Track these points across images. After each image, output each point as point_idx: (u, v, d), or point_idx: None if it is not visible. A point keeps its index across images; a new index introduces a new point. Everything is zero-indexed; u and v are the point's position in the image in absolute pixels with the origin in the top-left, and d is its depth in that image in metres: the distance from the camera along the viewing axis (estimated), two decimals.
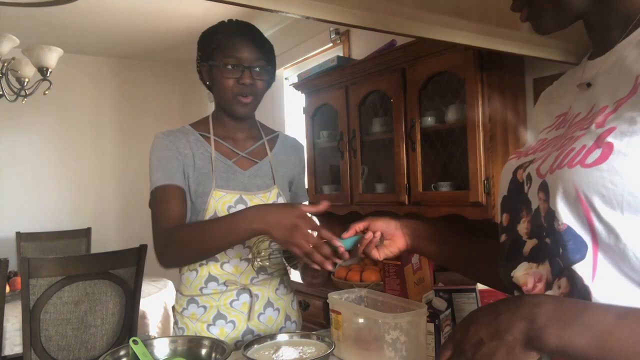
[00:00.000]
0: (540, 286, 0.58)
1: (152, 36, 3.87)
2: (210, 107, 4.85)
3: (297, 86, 2.90)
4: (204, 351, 0.98)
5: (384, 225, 0.96)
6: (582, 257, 0.53)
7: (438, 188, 2.12)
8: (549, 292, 0.57)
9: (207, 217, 1.18)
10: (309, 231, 0.97)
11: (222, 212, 1.18)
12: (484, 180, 1.90)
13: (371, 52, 2.48)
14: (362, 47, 2.84)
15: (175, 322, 1.25)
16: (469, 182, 1.94)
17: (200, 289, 1.22)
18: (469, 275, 0.97)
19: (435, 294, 1.11)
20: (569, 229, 0.54)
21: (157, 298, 2.71)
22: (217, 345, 0.98)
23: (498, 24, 1.41)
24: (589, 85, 0.63)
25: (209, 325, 1.21)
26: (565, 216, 0.54)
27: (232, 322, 1.22)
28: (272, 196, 1.25)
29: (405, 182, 2.22)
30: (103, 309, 2.18)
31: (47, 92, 2.94)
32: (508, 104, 1.99)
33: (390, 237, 0.96)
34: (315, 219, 1.06)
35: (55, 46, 2.74)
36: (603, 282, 0.52)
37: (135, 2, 3.19)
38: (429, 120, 2.15)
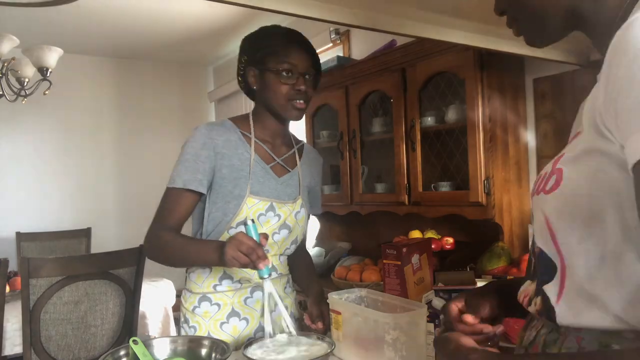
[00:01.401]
0: (525, 301, 0.63)
1: (152, 36, 3.87)
2: (211, 107, 4.86)
3: None
4: (204, 351, 0.98)
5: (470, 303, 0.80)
6: (550, 279, 0.56)
7: (438, 188, 2.12)
8: (529, 308, 0.61)
9: (236, 222, 1.18)
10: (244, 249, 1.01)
11: (254, 219, 1.18)
12: (484, 180, 1.90)
13: (371, 52, 2.48)
14: (362, 47, 2.84)
15: (186, 321, 1.24)
16: (469, 182, 1.94)
17: (214, 287, 1.22)
18: None
19: (435, 294, 1.11)
20: (541, 252, 0.57)
21: (157, 298, 2.71)
22: (217, 345, 0.98)
23: (498, 24, 1.42)
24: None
25: (222, 323, 1.22)
26: (539, 240, 0.58)
27: (246, 319, 1.24)
28: (297, 206, 1.27)
29: (405, 182, 2.22)
30: (103, 309, 2.18)
31: (47, 92, 2.94)
32: (508, 104, 1.99)
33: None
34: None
35: (55, 46, 2.74)
36: (566, 304, 0.54)
37: (135, 2, 3.19)
38: (429, 120, 2.15)
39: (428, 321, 1.03)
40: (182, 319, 1.25)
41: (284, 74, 1.16)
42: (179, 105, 4.68)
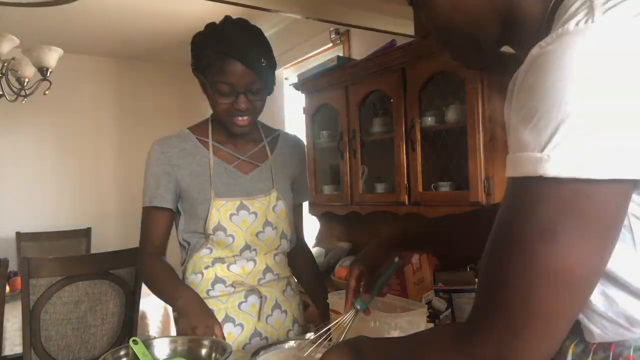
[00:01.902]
0: None
1: (152, 36, 3.87)
2: (209, 108, 4.86)
3: (297, 86, 2.90)
4: (204, 351, 0.98)
5: (373, 258, 0.95)
6: None
7: (438, 188, 2.12)
8: None
9: (211, 226, 1.16)
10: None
11: (225, 220, 1.17)
12: (483, 180, 1.90)
13: (371, 52, 2.48)
14: (362, 47, 2.84)
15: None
16: (469, 182, 1.94)
17: (207, 292, 1.20)
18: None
19: (435, 294, 1.11)
20: None
21: (157, 298, 2.70)
22: (217, 345, 0.97)
23: None
24: None
25: None
26: None
27: (241, 324, 1.20)
28: (272, 200, 1.23)
29: (406, 182, 2.22)
30: (103, 309, 2.18)
31: (47, 92, 2.94)
32: None
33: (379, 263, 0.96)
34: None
35: (55, 46, 2.74)
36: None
37: (134, 2, 3.19)
38: (429, 120, 2.15)
39: (428, 321, 1.03)
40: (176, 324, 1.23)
41: (221, 90, 1.09)
42: (179, 105, 4.68)
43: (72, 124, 4.24)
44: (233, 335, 1.20)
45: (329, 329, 0.96)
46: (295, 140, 1.37)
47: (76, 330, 2.12)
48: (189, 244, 1.22)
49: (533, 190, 0.46)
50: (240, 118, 1.13)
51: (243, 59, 1.07)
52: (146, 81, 4.55)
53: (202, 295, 1.20)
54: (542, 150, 0.43)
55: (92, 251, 3.60)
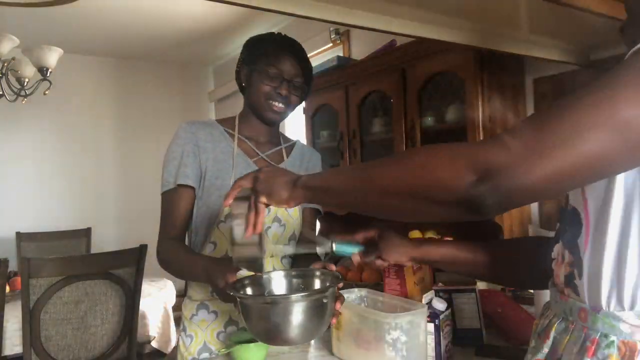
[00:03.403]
0: (559, 260, 0.65)
1: (153, 36, 3.87)
2: (211, 107, 4.86)
3: None
4: (317, 281, 0.99)
5: (393, 255, 0.95)
6: (580, 234, 0.59)
7: None
8: (562, 266, 0.64)
9: (224, 214, 1.17)
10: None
11: None
12: None
13: (371, 52, 2.48)
14: (362, 47, 2.84)
15: (184, 329, 1.22)
16: None
17: (212, 293, 1.19)
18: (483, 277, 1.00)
19: (435, 294, 1.10)
20: (574, 209, 0.60)
21: (157, 298, 2.71)
22: (327, 274, 0.99)
23: (498, 24, 1.42)
24: None
25: (219, 332, 1.19)
26: (574, 198, 0.61)
27: (244, 329, 1.18)
28: None
29: None
30: (103, 309, 2.18)
31: (47, 92, 2.94)
32: (508, 104, 1.99)
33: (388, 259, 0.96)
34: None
35: (55, 46, 2.74)
36: (591, 255, 0.58)
37: (135, 2, 3.19)
38: (429, 120, 2.15)
39: (428, 321, 1.03)
40: (181, 326, 1.23)
41: (270, 75, 1.19)
42: (180, 105, 4.68)
43: (72, 123, 4.25)
44: None
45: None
46: (312, 152, 1.42)
47: (76, 331, 2.12)
48: (196, 234, 1.22)
49: None
50: (277, 104, 1.21)
51: (296, 54, 1.23)
52: (146, 81, 4.56)
53: (206, 296, 1.20)
54: None
55: (92, 251, 3.60)
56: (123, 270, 2.20)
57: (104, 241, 3.94)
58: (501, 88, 1.97)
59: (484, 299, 1.27)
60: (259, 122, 1.26)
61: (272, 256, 1.25)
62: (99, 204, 4.31)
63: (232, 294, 0.86)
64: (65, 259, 2.12)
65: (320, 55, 3.19)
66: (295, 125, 3.39)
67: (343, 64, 2.56)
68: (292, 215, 1.26)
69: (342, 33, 3.00)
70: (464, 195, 0.52)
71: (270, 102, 1.20)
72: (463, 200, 0.52)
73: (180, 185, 1.17)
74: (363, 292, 1.20)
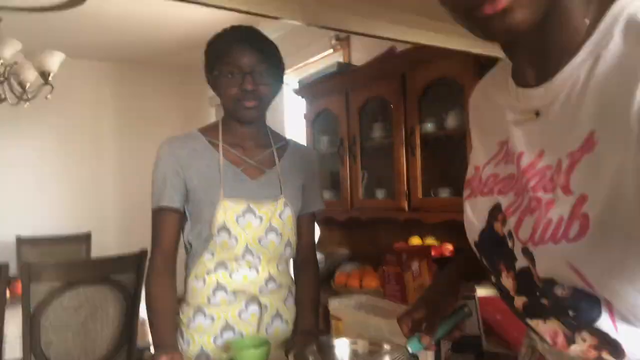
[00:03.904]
0: (561, 341, 0.57)
1: (153, 41, 3.89)
2: (212, 112, 4.87)
3: (297, 91, 2.91)
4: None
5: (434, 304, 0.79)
6: (600, 315, 0.52)
7: (438, 194, 2.12)
8: (573, 346, 0.56)
9: (215, 228, 1.16)
10: None
11: (231, 222, 1.17)
12: None
13: (371, 58, 2.49)
14: (362, 53, 2.85)
15: (181, 334, 1.21)
16: None
17: (208, 299, 1.19)
18: None
19: None
20: (576, 291, 0.52)
21: None
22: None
23: None
24: (537, 113, 0.57)
25: (215, 337, 1.19)
26: (568, 282, 0.52)
27: (241, 333, 1.20)
28: (279, 206, 1.22)
29: (405, 189, 2.22)
30: (103, 315, 2.18)
31: (49, 96, 2.95)
32: None
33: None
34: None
35: (58, 51, 2.75)
36: (624, 331, 0.52)
37: (136, 8, 3.21)
38: (429, 126, 2.16)
39: None
40: (179, 332, 1.22)
41: (229, 75, 1.16)
42: (180, 109, 4.70)
43: (73, 128, 4.26)
44: None
45: None
46: (306, 150, 1.40)
47: (76, 336, 2.12)
48: (191, 246, 1.22)
49: None
50: (247, 102, 1.17)
51: (246, 40, 1.18)
52: (147, 86, 4.58)
53: (203, 302, 1.19)
54: None
55: (92, 256, 3.60)
56: (124, 276, 2.20)
57: (104, 246, 3.93)
58: None
59: (484, 305, 1.28)
60: (239, 125, 1.23)
61: None
62: (100, 209, 4.32)
63: None
64: (66, 264, 2.12)
65: (321, 61, 3.20)
66: (296, 130, 3.40)
67: (343, 70, 2.57)
68: (287, 223, 1.24)
69: (342, 39, 3.01)
70: None
71: (240, 102, 1.17)
72: None
73: (165, 208, 1.18)
74: (363, 298, 1.21)
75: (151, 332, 1.16)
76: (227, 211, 1.16)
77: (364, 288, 2.25)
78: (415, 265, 1.23)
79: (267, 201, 1.21)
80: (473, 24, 0.54)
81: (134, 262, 2.22)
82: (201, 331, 1.19)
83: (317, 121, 2.85)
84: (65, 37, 3.63)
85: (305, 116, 2.90)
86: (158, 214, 1.19)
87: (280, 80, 1.24)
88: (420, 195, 2.16)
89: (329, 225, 2.97)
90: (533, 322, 0.60)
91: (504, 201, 0.59)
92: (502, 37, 0.55)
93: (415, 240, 2.24)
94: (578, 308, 0.53)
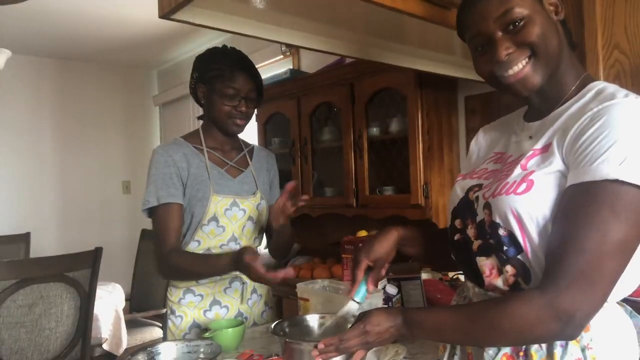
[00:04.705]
0: (494, 272, 0.81)
1: (96, 38, 3.82)
2: (156, 111, 4.83)
3: None
4: None
5: (381, 254, 0.99)
6: (522, 250, 0.77)
7: (383, 192, 2.35)
8: (501, 276, 0.81)
9: (207, 219, 1.34)
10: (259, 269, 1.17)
11: (220, 213, 1.36)
12: (423, 185, 2.15)
13: (320, 65, 2.67)
14: (311, 60, 3.02)
15: (172, 312, 1.39)
16: (410, 187, 2.18)
17: (197, 280, 1.38)
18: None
19: (388, 282, 1.30)
20: (510, 233, 0.78)
21: (107, 301, 2.72)
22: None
23: (435, 49, 1.64)
24: (530, 137, 0.85)
25: (205, 310, 1.38)
26: (507, 225, 0.78)
27: (226, 306, 1.39)
28: (257, 199, 1.44)
29: (353, 187, 2.43)
30: (58, 312, 2.19)
31: None
32: (443, 118, 2.26)
33: (387, 259, 1.00)
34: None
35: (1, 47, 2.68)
36: (535, 263, 0.77)
37: (80, 4, 3.16)
38: (375, 131, 2.37)
39: (383, 303, 1.22)
40: (169, 311, 1.39)
41: (228, 96, 1.34)
42: (123, 108, 4.62)
43: (10, 125, 4.07)
44: (220, 315, 1.39)
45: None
46: (267, 152, 1.62)
47: (30, 334, 2.12)
48: (183, 237, 1.38)
49: (608, 189, 0.69)
50: (239, 120, 1.37)
51: (248, 70, 1.37)
52: (89, 84, 4.46)
53: (192, 283, 1.37)
54: (619, 165, 0.68)
55: (31, 256, 3.49)
56: (78, 273, 2.21)
57: (43, 246, 3.82)
58: (437, 104, 2.23)
59: (427, 286, 1.49)
60: (221, 134, 1.43)
61: None
62: (39, 209, 4.16)
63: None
64: (20, 262, 2.12)
65: (271, 67, 3.33)
66: (246, 131, 3.49)
67: (295, 76, 2.73)
68: (262, 214, 1.45)
69: (292, 46, 3.16)
70: (558, 338, 0.73)
71: (232, 119, 1.37)
72: (557, 338, 0.73)
73: (169, 204, 1.32)
74: (326, 282, 1.38)
75: (211, 272, 1.31)
76: (217, 205, 1.35)
77: (315, 279, 2.42)
78: None
79: (248, 196, 1.42)
80: (497, 86, 0.84)
81: (89, 260, 2.25)
82: (192, 306, 1.37)
83: (269, 123, 2.99)
84: (2, 32, 3.50)
85: (257, 118, 3.03)
86: (164, 211, 1.32)
87: (258, 106, 1.47)
88: (367, 192, 2.37)
89: (302, 221, 3.11)
90: (480, 259, 0.83)
91: (485, 182, 0.86)
92: (519, 95, 0.83)
93: (363, 234, 2.44)
94: (509, 245, 0.78)
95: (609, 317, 0.76)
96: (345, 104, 2.44)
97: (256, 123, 3.04)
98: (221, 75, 1.34)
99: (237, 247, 1.38)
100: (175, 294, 1.40)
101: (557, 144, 0.76)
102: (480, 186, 0.86)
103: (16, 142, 4.10)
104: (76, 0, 3.09)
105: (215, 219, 1.35)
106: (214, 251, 1.38)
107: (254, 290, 1.45)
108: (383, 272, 0.97)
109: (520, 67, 0.79)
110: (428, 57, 1.65)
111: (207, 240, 1.37)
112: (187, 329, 1.37)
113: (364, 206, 2.39)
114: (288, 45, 3.18)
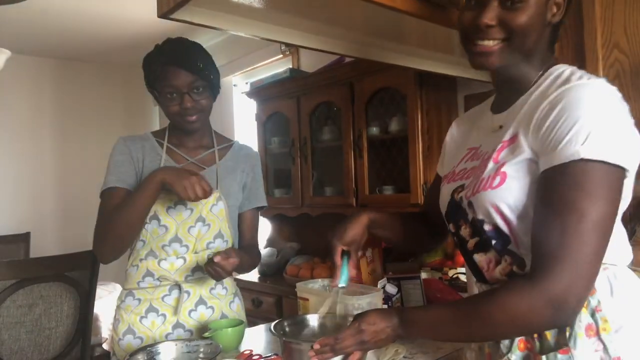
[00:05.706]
0: (492, 265, 0.83)
1: (96, 38, 3.82)
2: (155, 111, 4.83)
3: (249, 94, 3.03)
4: None
5: (354, 236, 1.03)
6: (510, 241, 0.80)
7: (382, 191, 2.35)
8: (499, 267, 0.83)
9: (148, 216, 1.28)
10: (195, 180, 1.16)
11: (162, 211, 1.29)
12: (422, 184, 2.15)
13: (320, 64, 2.67)
14: (311, 59, 3.02)
15: (115, 315, 1.35)
16: (410, 186, 2.18)
17: (138, 283, 1.32)
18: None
19: (388, 281, 1.30)
20: (495, 227, 0.80)
21: (108, 301, 2.73)
22: None
23: (435, 49, 1.65)
24: (501, 127, 0.87)
25: (141, 317, 1.31)
26: (490, 220, 0.80)
27: (163, 315, 1.32)
28: (211, 199, 1.32)
29: (353, 186, 2.43)
30: (58, 312, 2.19)
31: None
32: (443, 117, 2.26)
33: (360, 241, 1.05)
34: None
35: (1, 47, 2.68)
36: (524, 250, 0.79)
37: (78, 5, 3.16)
38: (374, 130, 2.38)
39: (383, 303, 1.22)
40: (115, 312, 1.36)
41: (168, 95, 1.26)
42: (122, 107, 4.61)
43: (10, 125, 4.06)
44: (156, 324, 1.32)
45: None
46: (249, 150, 1.50)
47: (30, 334, 2.12)
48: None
49: (576, 169, 0.70)
50: (189, 117, 1.28)
51: (180, 63, 1.24)
52: (89, 83, 4.45)
53: (133, 286, 1.33)
54: (582, 144, 0.70)
55: (31, 256, 3.49)
56: (78, 273, 2.21)
57: (43, 246, 3.82)
58: (437, 103, 2.23)
59: (426, 285, 1.50)
60: (183, 131, 1.35)
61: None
62: (39, 209, 4.16)
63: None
64: (20, 262, 2.12)
65: (270, 65, 3.34)
66: (245, 130, 3.50)
67: (295, 76, 2.73)
68: (218, 215, 1.34)
69: (292, 46, 3.16)
70: (553, 325, 0.73)
71: (183, 117, 1.28)
72: (553, 325, 0.73)
73: (114, 188, 1.27)
74: (325, 281, 1.37)
75: (141, 197, 1.20)
76: (158, 202, 1.28)
77: (315, 279, 2.43)
78: (369, 252, 1.43)
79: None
80: (464, 40, 0.84)
81: (89, 259, 2.24)
82: (129, 311, 1.32)
83: (268, 123, 2.99)
84: (3, 32, 3.50)
85: (257, 117, 3.03)
86: (107, 193, 1.28)
87: (216, 90, 1.34)
88: (366, 192, 2.38)
89: (280, 222, 3.12)
90: (478, 256, 0.84)
91: (467, 182, 0.88)
92: (472, 63, 0.85)
93: None
94: (497, 238, 0.80)
95: (616, 278, 0.78)
96: (344, 104, 2.45)
97: (256, 122, 3.04)
98: (157, 77, 1.27)
99: (182, 250, 1.31)
100: (120, 296, 1.37)
101: (522, 134, 0.78)
102: (462, 187, 0.88)
103: (16, 142, 4.10)
104: (76, 0, 3.09)
105: (156, 217, 1.28)
106: (159, 253, 1.31)
107: (202, 302, 1.35)
108: (359, 254, 1.01)
109: (491, 44, 0.80)
110: (427, 56, 1.65)
111: (151, 241, 1.30)
112: (121, 335, 1.32)
113: (364, 206, 2.39)
114: (288, 45, 3.18)
